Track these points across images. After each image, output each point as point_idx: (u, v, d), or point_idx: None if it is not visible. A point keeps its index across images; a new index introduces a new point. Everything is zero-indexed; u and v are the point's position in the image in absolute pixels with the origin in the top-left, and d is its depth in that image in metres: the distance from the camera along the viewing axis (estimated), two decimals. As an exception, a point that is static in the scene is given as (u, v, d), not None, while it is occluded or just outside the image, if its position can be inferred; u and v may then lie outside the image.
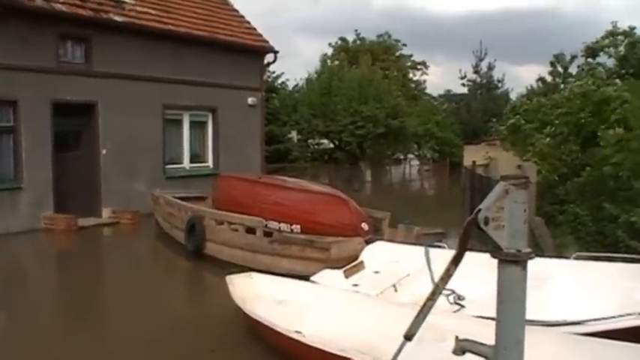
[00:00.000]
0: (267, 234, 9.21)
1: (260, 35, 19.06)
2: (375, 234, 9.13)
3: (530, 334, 2.38)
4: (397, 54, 46.01)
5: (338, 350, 4.53)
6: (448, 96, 45.66)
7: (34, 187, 13.15)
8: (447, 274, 2.19)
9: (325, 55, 42.87)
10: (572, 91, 13.44)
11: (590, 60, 17.09)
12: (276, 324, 5.33)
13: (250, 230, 9.39)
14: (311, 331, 5.31)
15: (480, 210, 2.13)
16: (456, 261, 2.20)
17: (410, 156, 39.28)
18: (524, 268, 2.21)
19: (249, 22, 19.31)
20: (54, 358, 5.83)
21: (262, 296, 6.35)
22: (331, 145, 33.08)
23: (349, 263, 7.75)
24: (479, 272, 4.09)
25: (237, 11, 19.52)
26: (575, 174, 11.36)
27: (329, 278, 7.20)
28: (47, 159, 13.39)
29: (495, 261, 2.24)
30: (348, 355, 4.44)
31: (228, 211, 10.23)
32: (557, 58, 21.99)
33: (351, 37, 45.39)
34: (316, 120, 30.06)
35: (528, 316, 2.29)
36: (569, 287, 5.92)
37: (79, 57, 14.16)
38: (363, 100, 29.86)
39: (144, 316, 7.13)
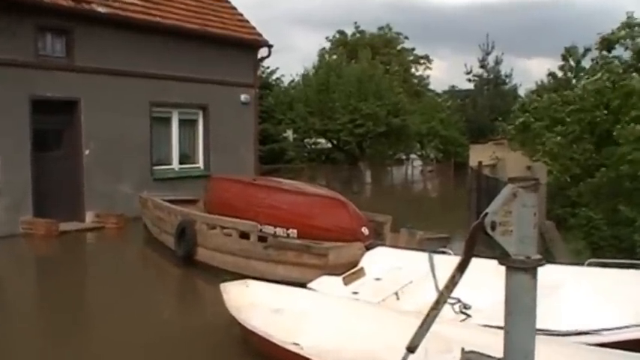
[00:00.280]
0: (262, 239, 9.21)
1: (253, 28, 19.06)
2: (376, 239, 9.13)
3: (541, 345, 2.38)
4: (399, 48, 46.03)
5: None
6: (453, 92, 45.72)
7: (11, 190, 13.09)
8: (452, 282, 2.20)
9: (323, 49, 42.94)
10: (585, 88, 13.41)
11: (605, 53, 17.03)
12: (272, 335, 5.34)
13: (244, 235, 9.39)
14: (309, 342, 5.32)
15: (486, 214, 2.14)
16: (461, 268, 2.20)
17: (412, 156, 39.32)
18: (534, 275, 2.22)
19: (241, 15, 19.32)
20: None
21: (258, 305, 6.35)
22: (329, 145, 33.08)
23: (348, 270, 7.75)
24: (486, 279, 4.11)
25: (229, 3, 19.52)
26: (588, 174, 11.37)
27: (327, 285, 7.21)
28: (26, 159, 13.35)
29: (503, 268, 2.25)
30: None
31: (220, 215, 10.23)
32: (569, 51, 21.91)
33: (349, 30, 45.44)
34: (313, 118, 30.07)
35: (538, 325, 2.30)
36: (582, 295, 5.91)
37: (60, 50, 14.12)
38: (362, 96, 29.88)
39: (131, 327, 7.11)
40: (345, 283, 7.41)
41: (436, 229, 10.44)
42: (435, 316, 2.29)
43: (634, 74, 14.10)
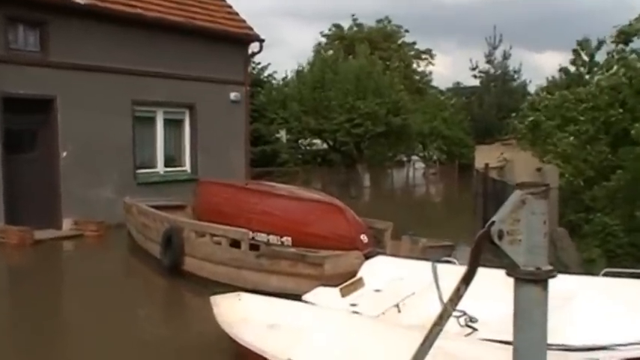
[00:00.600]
0: (254, 247, 9.22)
1: (243, 21, 19.08)
2: (375, 247, 9.15)
3: (552, 361, 2.39)
4: (399, 42, 46.11)
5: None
6: (457, 89, 45.81)
7: (-20, 195, 13.06)
8: (457, 295, 2.21)
9: (318, 44, 43.00)
10: (599, 84, 13.40)
11: (622, 47, 17.01)
12: (266, 351, 5.34)
13: (235, 243, 9.40)
14: (305, 359, 5.32)
15: (493, 222, 2.15)
16: (466, 280, 2.21)
17: (414, 158, 39.37)
18: (545, 287, 2.23)
19: (230, 7, 19.33)
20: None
21: (251, 319, 6.35)
22: (325, 146, 33.10)
23: (346, 280, 7.76)
24: (493, 290, 4.12)
25: (217, -7, 19.56)
26: (603, 177, 11.37)
27: (324, 297, 7.21)
28: (-4, 162, 13.32)
29: (512, 279, 2.26)
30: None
31: (210, 222, 10.23)
32: (582, 45, 21.94)
33: (346, 24, 45.50)
34: (308, 117, 30.09)
35: (550, 340, 2.31)
36: (597, 308, 5.92)
37: (33, 44, 14.08)
38: (360, 94, 29.91)
39: (110, 346, 7.02)
40: (343, 295, 7.42)
41: (440, 236, 10.45)
42: (439, 332, 2.30)
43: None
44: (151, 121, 16.86)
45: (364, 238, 9.09)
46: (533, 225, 2.20)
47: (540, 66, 71.07)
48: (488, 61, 40.83)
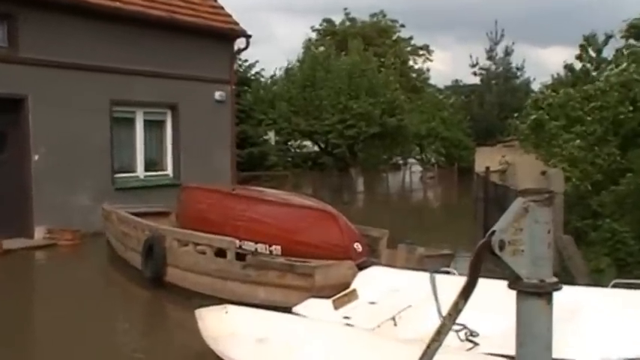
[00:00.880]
0: (241, 257, 9.21)
1: (229, 16, 19.08)
2: (370, 256, 9.15)
3: (557, 378, 2.40)
4: (394, 37, 46.29)
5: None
6: (457, 87, 45.99)
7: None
8: (456, 310, 2.22)
9: (308, 39, 43.05)
10: (608, 81, 13.40)
11: (632, 41, 17.00)
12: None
13: (220, 253, 9.39)
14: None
15: (493, 232, 2.16)
16: (465, 293, 2.22)
17: (411, 161, 39.48)
18: (549, 301, 2.23)
19: (215, 0, 19.33)
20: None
21: (238, 333, 6.34)
22: (316, 149, 33.14)
23: (338, 291, 7.77)
24: (495, 302, 4.13)
25: (200, -13, 19.56)
26: (612, 181, 11.40)
27: (315, 309, 7.21)
28: (-39, 165, 13.27)
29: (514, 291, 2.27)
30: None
31: (195, 230, 10.22)
32: (588, 40, 21.99)
33: (338, 18, 45.63)
34: (298, 118, 30.13)
35: (555, 354, 2.32)
36: (606, 321, 5.92)
37: (1, 39, 14.00)
38: (353, 93, 29.98)
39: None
40: (336, 307, 7.42)
41: (438, 244, 10.49)
42: (437, 349, 2.31)
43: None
44: (131, 122, 16.81)
45: (358, 246, 9.10)
46: (536, 235, 2.21)
47: (545, 62, 71.34)
48: (490, 58, 41.06)
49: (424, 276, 7.14)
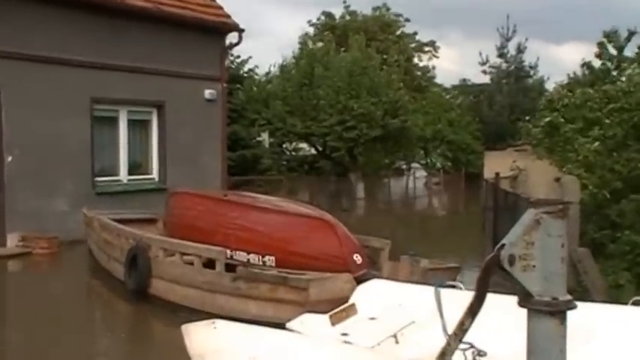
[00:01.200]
0: (231, 268, 9.21)
1: (220, 8, 19.11)
2: (370, 269, 9.15)
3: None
4: (398, 32, 46.34)
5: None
6: (464, 87, 45.96)
7: None
8: (462, 330, 2.22)
9: (305, 34, 43.13)
10: (631, 80, 13.40)
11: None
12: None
13: (210, 263, 9.38)
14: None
15: (503, 245, 2.15)
16: (472, 312, 2.21)
17: (415, 165, 39.48)
18: (563, 320, 2.23)
19: (206, -9, 19.39)
20: None
21: (227, 351, 6.32)
22: (313, 152, 33.15)
23: (335, 306, 7.76)
24: (505, 320, 4.13)
25: (190, -24, 19.57)
26: (632, 189, 11.38)
27: (310, 325, 7.21)
28: None
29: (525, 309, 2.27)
30: None
31: (183, 239, 10.22)
32: (609, 36, 21.96)
33: (338, 12, 45.68)
34: (293, 119, 30.15)
35: (570, 379, 2.31)
36: (625, 343, 5.90)
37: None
38: (354, 93, 30.01)
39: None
40: (333, 323, 7.41)
41: (444, 256, 10.48)
42: (442, 370, 2.31)
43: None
44: (113, 121, 16.81)
45: (357, 258, 9.10)
46: (549, 249, 2.21)
47: (560, 60, 71.36)
48: (500, 55, 41.00)
49: (428, 290, 7.11)
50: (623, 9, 64.61)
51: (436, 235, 20.09)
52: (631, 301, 6.67)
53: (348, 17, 45.03)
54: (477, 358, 5.93)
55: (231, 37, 19.32)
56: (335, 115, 29.70)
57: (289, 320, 7.33)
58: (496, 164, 20.02)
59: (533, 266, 2.20)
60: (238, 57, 28.71)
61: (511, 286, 2.31)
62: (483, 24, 70.46)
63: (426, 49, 48.83)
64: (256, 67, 31.93)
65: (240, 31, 19.10)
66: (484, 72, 41.91)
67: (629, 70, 15.16)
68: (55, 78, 14.95)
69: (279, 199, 12.42)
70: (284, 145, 32.83)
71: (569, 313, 2.27)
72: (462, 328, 2.23)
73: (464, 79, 47.26)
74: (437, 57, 49.59)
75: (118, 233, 11.50)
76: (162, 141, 17.58)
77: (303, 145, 33.33)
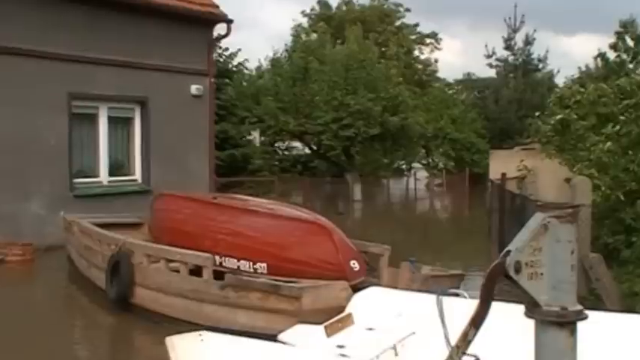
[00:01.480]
0: (220, 276, 9.21)
1: (208, -3, 19.13)
2: (368, 276, 9.16)
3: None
4: (398, 23, 46.42)
5: None
6: (469, 81, 46.13)
7: None
8: (465, 341, 2.21)
9: (298, 25, 43.18)
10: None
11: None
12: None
13: (197, 271, 9.38)
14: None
15: (508, 252, 2.15)
16: (476, 322, 2.21)
17: (415, 165, 39.52)
18: (573, 332, 2.23)
19: (192, -21, 19.39)
20: None
21: (216, 365, 6.33)
22: (307, 151, 33.18)
23: (331, 316, 7.76)
24: (511, 330, 4.13)
25: (174, -36, 19.57)
26: (648, 191, 11.41)
27: (304, 337, 7.22)
28: None
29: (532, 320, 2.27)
30: None
31: (169, 244, 10.21)
32: (626, 26, 21.93)
33: (334, 1, 45.73)
34: (286, 116, 30.17)
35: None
36: (641, 354, 5.91)
37: None
38: (350, 88, 30.03)
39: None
40: (328, 334, 7.41)
41: (447, 263, 10.50)
42: (445, 384, 2.31)
43: None
44: (93, 118, 16.81)
45: (355, 265, 9.10)
46: (557, 255, 2.20)
47: (571, 52, 71.66)
48: (507, 47, 41.12)
49: (430, 299, 7.13)
50: (638, -2, 64.64)
51: (439, 240, 20.10)
52: (647, 310, 6.69)
53: (344, 7, 45.07)
54: (482, 371, 5.96)
55: (219, 29, 19.34)
56: (330, 112, 29.72)
57: (281, 331, 7.34)
58: (502, 164, 20.02)
59: (541, 274, 2.20)
60: (227, 50, 28.78)
61: (518, 293, 2.31)
62: (489, 14, 70.67)
63: (428, 41, 48.96)
64: (246, 60, 32.01)
65: (229, 21, 19.09)
66: (490, 65, 42.10)
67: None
68: (29, 72, 14.92)
69: (271, 201, 12.42)
70: (276, 144, 32.90)
71: (580, 324, 2.27)
72: (466, 340, 2.23)
73: (468, 73, 47.51)
74: (439, 49, 49.82)
75: (98, 238, 11.49)
76: (146, 140, 17.57)
77: (297, 144, 33.41)
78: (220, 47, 25.47)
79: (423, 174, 39.15)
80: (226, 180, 21.77)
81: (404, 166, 39.17)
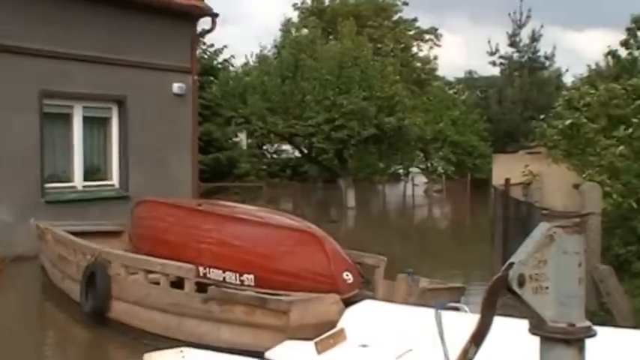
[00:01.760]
0: (203, 288, 9.19)
1: (191, -11, 19.13)
2: (363, 289, 9.16)
3: None
4: (395, 18, 46.49)
5: None
6: (471, 80, 46.21)
7: None
8: (465, 358, 2.21)
9: (288, 20, 43.17)
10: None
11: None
12: None
13: (178, 283, 9.37)
14: None
15: (512, 264, 2.16)
16: (477, 338, 2.21)
17: (413, 170, 39.56)
18: (581, 350, 2.23)
19: (174, -30, 19.38)
20: None
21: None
22: (297, 154, 33.17)
23: (322, 332, 7.76)
24: (515, 347, 4.14)
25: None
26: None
27: (293, 354, 7.22)
28: None
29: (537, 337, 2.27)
30: None
31: (151, 254, 10.20)
32: (637, 21, 22.00)
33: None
34: (275, 117, 30.13)
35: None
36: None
37: None
38: (344, 87, 30.03)
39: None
40: (319, 351, 7.41)
41: (447, 275, 10.51)
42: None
43: None
44: (66, 119, 16.78)
45: (348, 276, 9.10)
46: (564, 268, 2.21)
47: (580, 49, 71.90)
48: (512, 44, 41.26)
49: (428, 313, 7.14)
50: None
51: (438, 250, 20.13)
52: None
53: (337, 1, 45.12)
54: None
55: (204, 23, 19.38)
56: (322, 113, 29.68)
57: (268, 348, 7.33)
58: (506, 169, 20.06)
59: (546, 288, 2.20)
60: (212, 46, 28.91)
61: (523, 308, 2.31)
62: (492, 8, 70.75)
63: (427, 36, 49.00)
64: (232, 57, 32.15)
65: (214, 15, 19.11)
66: (493, 63, 42.22)
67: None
68: (-2, 68, 14.92)
69: (259, 208, 12.43)
70: (264, 147, 32.95)
71: (589, 342, 2.28)
72: (466, 357, 2.23)
73: (470, 72, 47.59)
74: (439, 46, 49.90)
75: (73, 247, 11.46)
76: (124, 142, 17.55)
77: (286, 146, 33.40)
78: (205, 43, 25.58)
79: (421, 179, 39.21)
80: (211, 185, 21.78)
81: (401, 171, 39.27)
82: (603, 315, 8.91)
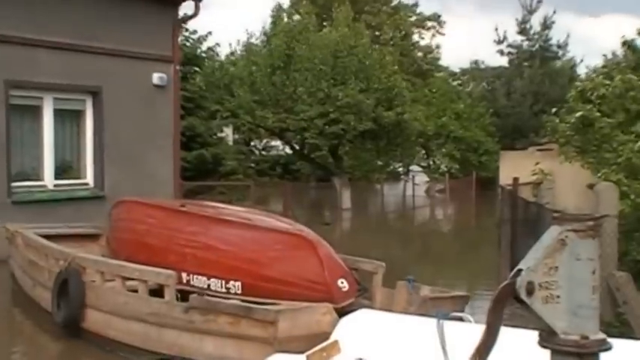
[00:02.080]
0: (185, 297, 9.18)
1: (172, -29, 19.13)
2: (360, 297, 9.16)
3: None
4: (394, 3, 46.52)
5: None
6: (476, 71, 46.24)
7: None
8: (470, 373, 2.21)
9: (279, 6, 43.17)
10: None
11: None
12: None
13: (158, 291, 9.36)
14: None
15: (520, 271, 2.15)
16: (482, 351, 2.21)
17: (414, 168, 39.60)
18: (595, 364, 2.23)
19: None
20: None
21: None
22: (288, 151, 33.19)
23: (314, 343, 7.76)
24: (523, 359, 4.14)
25: None
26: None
27: (283, 368, 7.21)
28: None
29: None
30: None
31: (129, 259, 10.18)
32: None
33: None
34: (264, 110, 30.16)
35: None
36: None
37: None
38: (339, 78, 30.06)
39: None
40: (311, 365, 7.42)
41: (450, 282, 10.52)
42: None
43: None
44: (36, 111, 16.76)
45: (343, 284, 9.10)
46: (576, 275, 2.20)
47: (596, 37, 71.98)
48: (522, 31, 41.31)
49: (430, 323, 7.15)
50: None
51: (440, 255, 20.17)
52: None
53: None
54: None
55: (186, 7, 19.36)
56: (315, 106, 29.71)
57: (257, 361, 7.34)
58: (514, 167, 20.11)
59: (558, 297, 2.19)
60: (195, 33, 28.80)
61: (532, 318, 2.31)
62: (500, -7, 70.62)
63: (429, 24, 49.06)
64: (217, 45, 32.05)
65: (197, 0, 19.09)
66: (501, 52, 42.29)
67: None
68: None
69: (247, 209, 12.40)
70: (252, 143, 32.98)
71: (603, 356, 2.27)
72: (471, 371, 2.23)
73: (475, 62, 47.64)
74: (442, 34, 50.06)
75: (45, 252, 11.43)
76: (99, 137, 17.52)
77: (276, 142, 33.44)
78: (187, 30, 25.47)
79: (422, 178, 39.27)
80: (194, 184, 21.77)
81: (400, 169, 39.32)
82: (620, 326, 8.92)
